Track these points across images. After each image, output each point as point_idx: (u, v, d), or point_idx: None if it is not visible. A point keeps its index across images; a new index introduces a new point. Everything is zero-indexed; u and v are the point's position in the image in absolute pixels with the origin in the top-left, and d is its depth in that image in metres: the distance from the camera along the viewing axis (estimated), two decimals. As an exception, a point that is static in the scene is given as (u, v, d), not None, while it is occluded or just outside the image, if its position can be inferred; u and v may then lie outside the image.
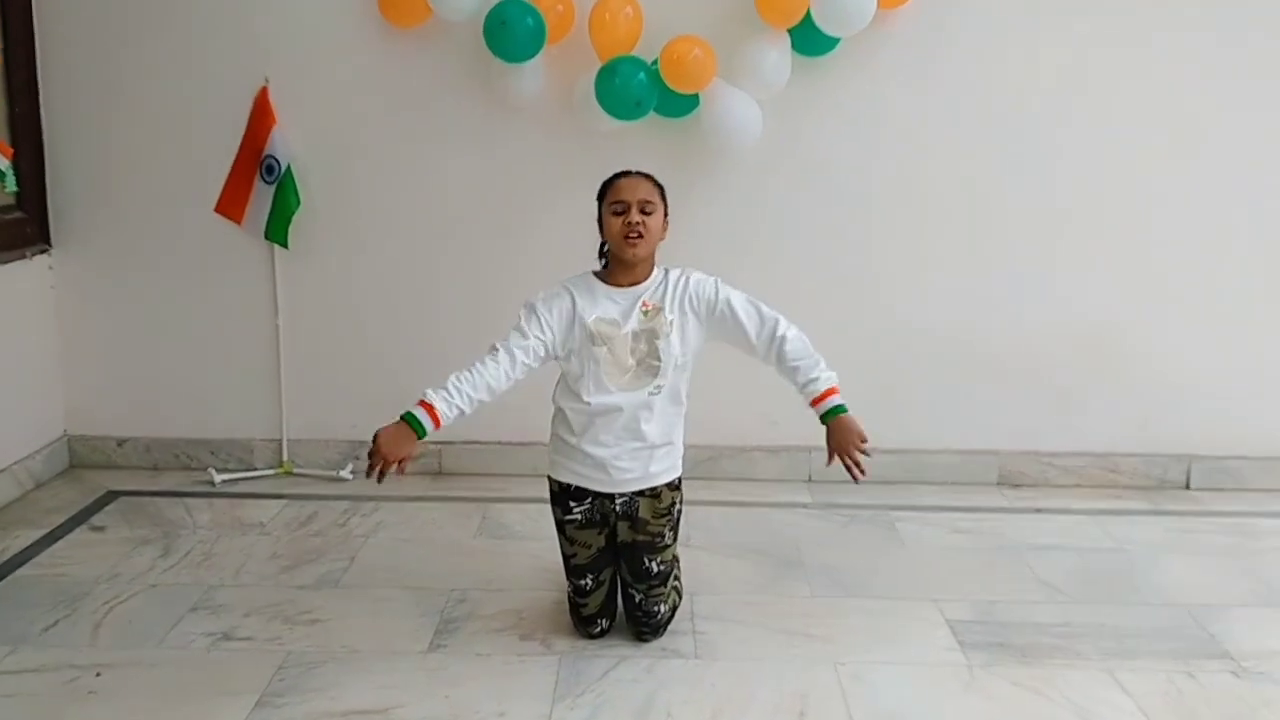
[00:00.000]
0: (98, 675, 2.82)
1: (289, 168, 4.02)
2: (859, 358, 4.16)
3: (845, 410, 2.90)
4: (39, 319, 4.22)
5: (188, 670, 2.86)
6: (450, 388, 2.78)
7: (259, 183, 4.03)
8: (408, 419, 2.74)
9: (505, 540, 3.73)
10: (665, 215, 2.94)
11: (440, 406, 2.75)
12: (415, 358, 4.21)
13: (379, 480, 2.71)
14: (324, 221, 4.18)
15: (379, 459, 2.70)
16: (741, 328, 2.92)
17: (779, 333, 2.91)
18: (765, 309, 2.95)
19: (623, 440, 2.88)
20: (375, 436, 2.72)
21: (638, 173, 2.94)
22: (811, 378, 2.90)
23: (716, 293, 2.92)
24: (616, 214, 2.86)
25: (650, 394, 2.87)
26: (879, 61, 4.01)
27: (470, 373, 2.81)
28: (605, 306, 2.89)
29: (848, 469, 2.90)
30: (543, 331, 2.85)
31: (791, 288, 4.13)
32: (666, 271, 2.96)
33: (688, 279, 2.93)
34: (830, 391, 2.90)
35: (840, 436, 2.89)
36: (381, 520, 3.88)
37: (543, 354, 2.87)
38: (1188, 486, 4.29)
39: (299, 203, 4.06)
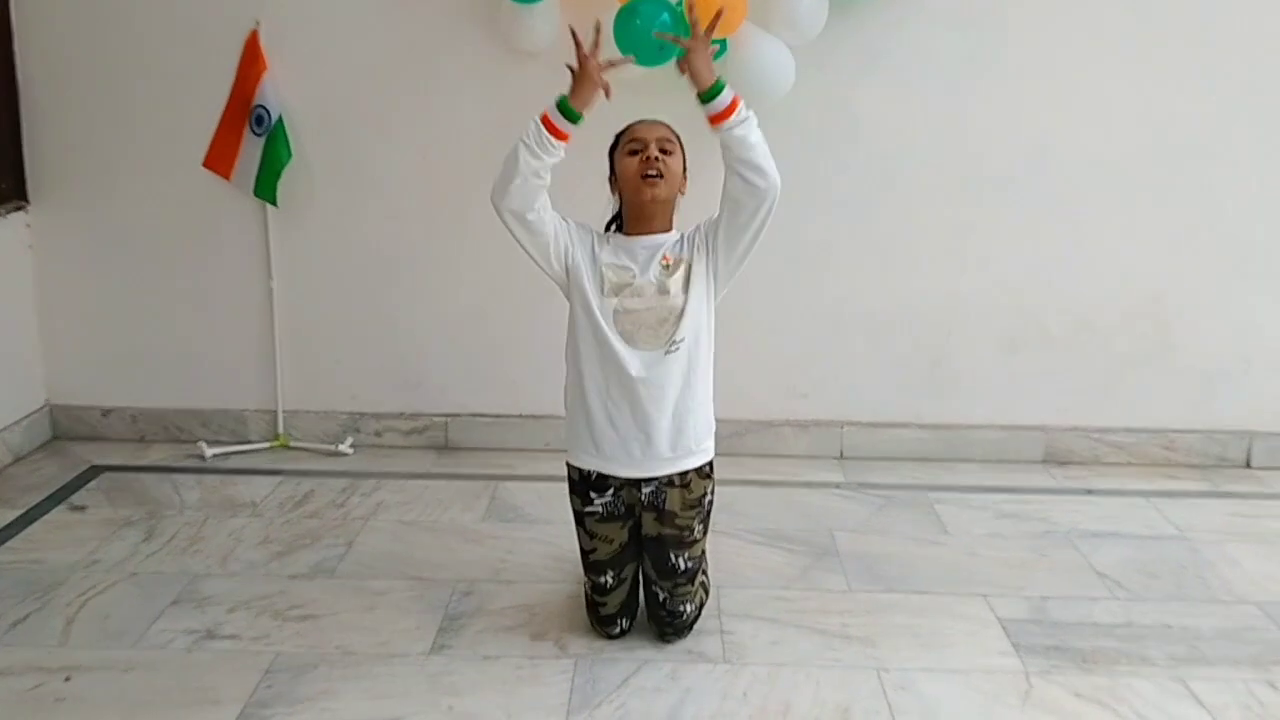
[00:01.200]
0: (66, 680, 2.57)
1: (280, 118, 3.73)
2: (897, 326, 3.95)
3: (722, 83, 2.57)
4: (16, 281, 3.96)
5: (165, 675, 2.60)
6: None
7: (248, 134, 3.74)
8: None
9: (516, 524, 3.46)
10: (685, 167, 2.69)
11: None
12: (419, 323, 4.00)
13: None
14: (321, 177, 3.89)
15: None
16: (725, 203, 2.62)
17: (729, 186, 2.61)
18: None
19: (643, 408, 2.60)
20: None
21: (651, 120, 2.70)
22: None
23: (706, 232, 2.67)
24: (633, 153, 2.62)
25: (668, 352, 2.60)
26: (921, 9, 3.69)
27: None
28: (620, 255, 2.65)
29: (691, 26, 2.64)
30: (563, 223, 2.66)
31: (824, 254, 3.89)
32: (683, 234, 2.70)
33: (696, 231, 2.69)
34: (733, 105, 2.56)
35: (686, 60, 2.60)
36: (382, 500, 3.62)
37: (554, 232, 2.64)
38: (1249, 465, 4.01)
39: (290, 156, 3.77)
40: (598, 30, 2.62)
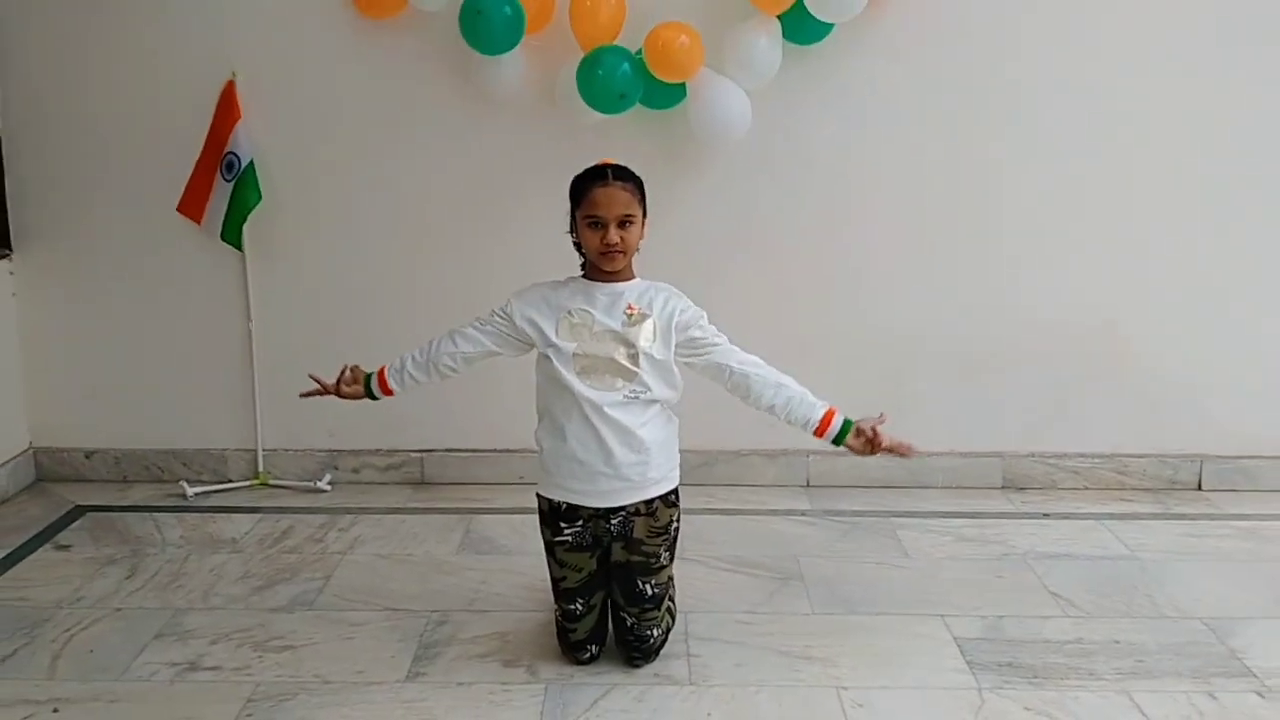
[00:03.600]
0: (55, 711, 2.65)
1: (251, 163, 3.84)
2: (856, 358, 4.06)
3: (851, 425, 2.81)
4: (1, 327, 4.04)
5: (150, 705, 2.68)
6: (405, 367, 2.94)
7: (219, 180, 3.84)
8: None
9: (489, 555, 3.56)
10: (645, 217, 2.76)
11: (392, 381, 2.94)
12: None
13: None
14: (297, 221, 4.00)
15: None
16: (710, 372, 2.86)
17: (737, 380, 2.85)
18: (731, 360, 2.84)
19: (607, 445, 2.70)
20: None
21: (615, 176, 2.71)
22: (804, 417, 2.83)
23: (690, 325, 2.79)
24: (592, 227, 2.70)
25: (627, 397, 2.71)
26: (874, 49, 3.83)
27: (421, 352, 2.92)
28: (579, 299, 2.75)
29: (898, 453, 2.83)
30: (508, 323, 2.80)
31: (784, 286, 4.01)
32: (651, 283, 2.81)
33: (671, 299, 2.79)
34: (829, 417, 2.82)
35: (862, 448, 2.82)
36: (359, 535, 3.71)
37: (506, 341, 2.83)
38: (1200, 488, 4.13)
39: (259, 198, 3.86)
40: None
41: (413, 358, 2.91)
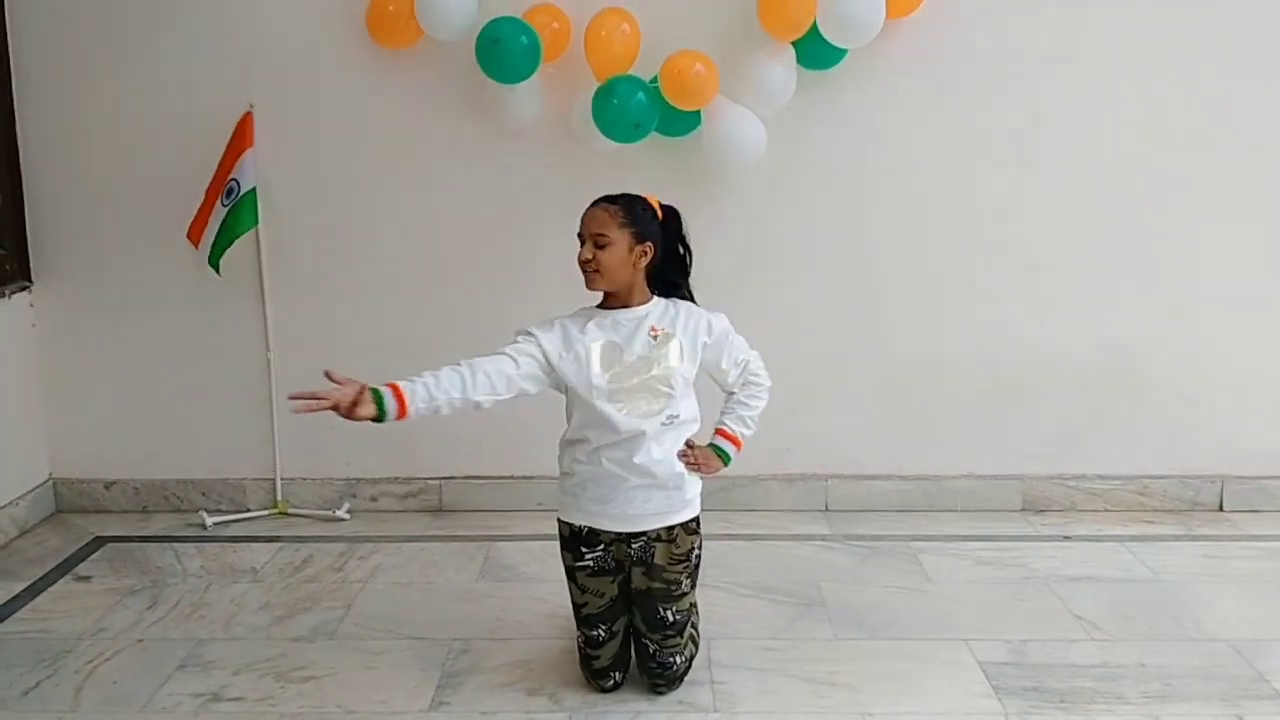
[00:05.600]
0: (78, 744, 2.66)
1: (252, 192, 3.83)
2: (875, 382, 4.06)
3: (729, 458, 2.92)
4: (21, 359, 4.06)
5: (174, 737, 2.69)
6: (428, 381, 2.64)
7: (218, 206, 3.84)
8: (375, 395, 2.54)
9: (510, 583, 3.56)
10: (639, 243, 2.73)
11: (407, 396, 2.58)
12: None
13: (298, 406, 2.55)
14: (315, 250, 4.02)
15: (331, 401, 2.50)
16: (723, 375, 2.90)
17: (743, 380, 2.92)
18: (749, 363, 2.91)
19: (632, 472, 2.70)
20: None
21: (604, 199, 2.77)
22: (732, 412, 2.93)
23: (711, 329, 2.82)
24: (580, 243, 2.76)
25: (663, 424, 2.71)
26: (888, 74, 3.85)
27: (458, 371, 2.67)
28: (606, 330, 2.75)
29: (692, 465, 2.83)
30: (537, 348, 2.72)
31: (802, 312, 4.01)
32: (669, 301, 2.83)
33: (691, 317, 2.81)
34: (732, 437, 2.92)
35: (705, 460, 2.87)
36: (379, 563, 3.71)
37: (537, 367, 2.72)
38: (1221, 508, 4.11)
39: (253, 223, 3.86)
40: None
41: (444, 374, 2.65)
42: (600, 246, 2.70)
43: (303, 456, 4.17)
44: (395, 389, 2.55)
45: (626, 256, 2.73)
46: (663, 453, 2.73)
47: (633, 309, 2.78)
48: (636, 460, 2.70)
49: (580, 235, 2.75)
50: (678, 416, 2.74)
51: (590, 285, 2.76)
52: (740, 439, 2.92)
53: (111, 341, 4.12)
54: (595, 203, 2.78)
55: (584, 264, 2.72)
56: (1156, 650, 3.06)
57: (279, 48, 3.89)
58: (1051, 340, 4.03)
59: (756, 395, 2.92)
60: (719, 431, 2.91)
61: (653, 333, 2.74)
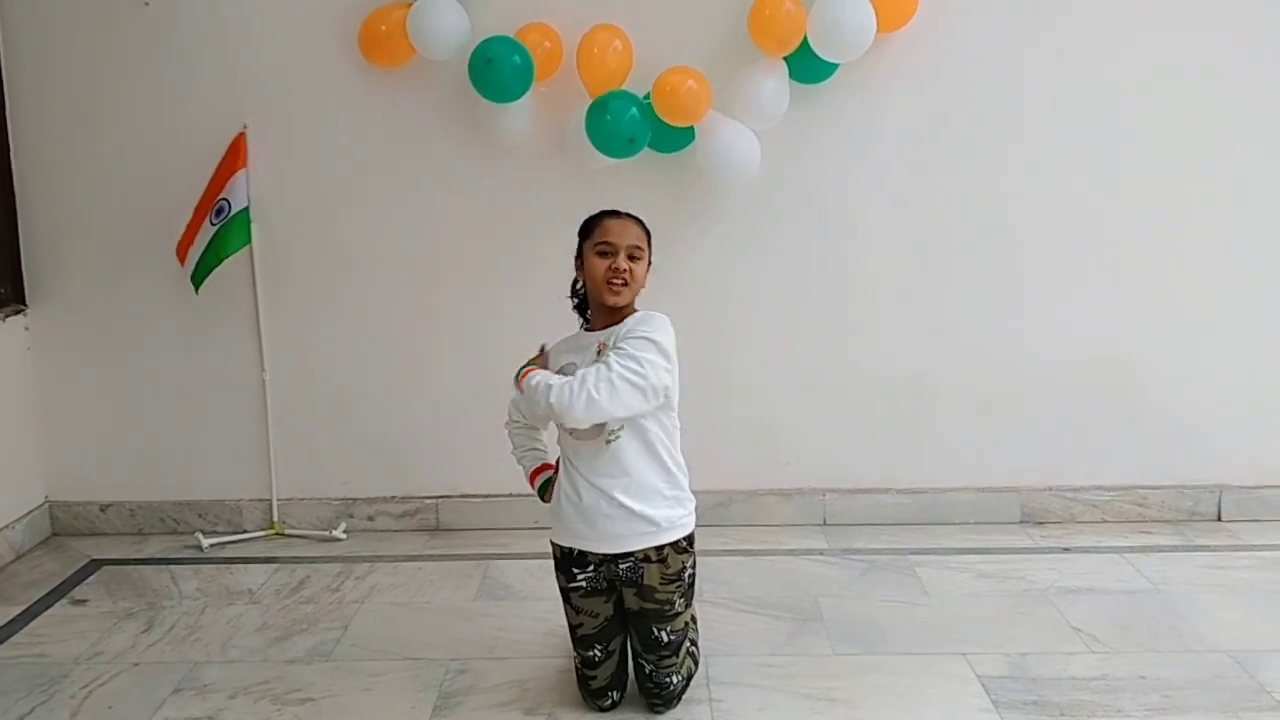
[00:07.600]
0: (74, 770, 2.65)
1: (245, 210, 3.83)
2: (872, 395, 4.06)
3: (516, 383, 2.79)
4: (16, 382, 4.06)
5: (169, 762, 2.68)
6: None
7: (206, 224, 3.83)
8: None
9: (507, 602, 3.54)
10: (650, 264, 2.78)
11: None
12: (409, 410, 4.10)
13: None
14: (310, 270, 4.02)
15: None
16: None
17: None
18: (615, 360, 2.57)
19: (602, 493, 2.68)
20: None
21: (627, 214, 2.78)
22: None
23: (631, 330, 2.65)
24: (601, 255, 2.69)
25: (608, 442, 2.67)
26: (879, 88, 3.86)
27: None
28: (573, 352, 2.75)
29: None
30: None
31: (798, 326, 4.01)
32: (644, 313, 2.73)
33: (635, 324, 2.67)
34: (527, 374, 2.71)
35: None
36: (376, 583, 3.70)
37: None
38: (1220, 518, 4.11)
39: (244, 244, 3.86)
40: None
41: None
42: (634, 259, 2.70)
43: (299, 477, 4.16)
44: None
45: (646, 271, 2.75)
46: (624, 472, 2.68)
47: (610, 329, 2.71)
48: (603, 480, 2.69)
49: (604, 246, 2.69)
50: (619, 428, 2.66)
51: (613, 298, 2.69)
52: (524, 386, 2.67)
53: (107, 364, 4.11)
54: (613, 215, 2.75)
55: (617, 273, 2.66)
56: (1156, 662, 3.05)
57: (273, 68, 3.90)
58: (1049, 352, 4.03)
59: (578, 382, 2.54)
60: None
61: (598, 349, 2.69)
